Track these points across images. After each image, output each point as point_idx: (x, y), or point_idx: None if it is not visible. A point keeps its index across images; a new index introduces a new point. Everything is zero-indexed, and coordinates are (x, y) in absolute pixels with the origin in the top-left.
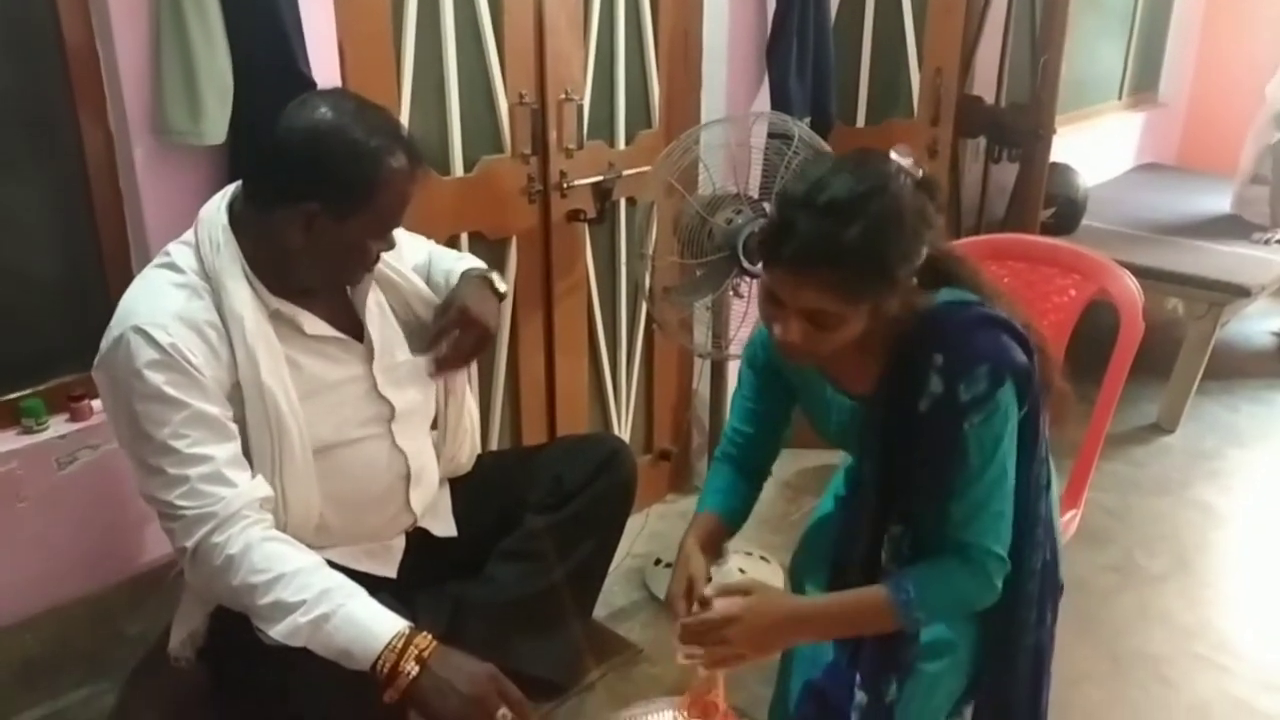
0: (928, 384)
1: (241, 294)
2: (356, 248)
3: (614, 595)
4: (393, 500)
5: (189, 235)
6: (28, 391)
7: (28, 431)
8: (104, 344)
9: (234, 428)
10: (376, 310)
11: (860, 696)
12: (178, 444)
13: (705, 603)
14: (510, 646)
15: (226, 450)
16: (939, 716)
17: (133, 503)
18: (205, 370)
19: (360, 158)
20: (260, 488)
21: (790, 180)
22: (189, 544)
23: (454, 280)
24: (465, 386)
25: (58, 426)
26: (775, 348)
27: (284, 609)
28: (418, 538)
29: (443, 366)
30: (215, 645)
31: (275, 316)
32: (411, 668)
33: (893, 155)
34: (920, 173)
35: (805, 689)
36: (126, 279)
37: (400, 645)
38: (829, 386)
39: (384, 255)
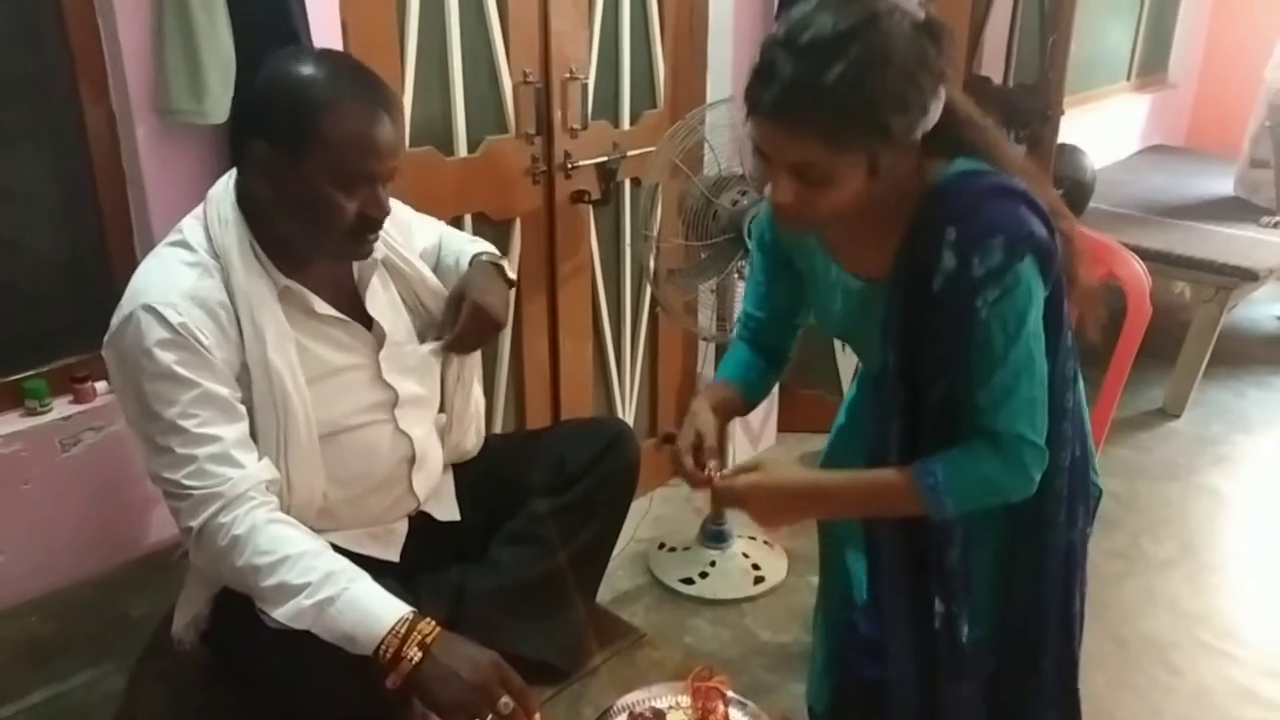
0: (941, 260)
1: (250, 272)
2: (323, 199)
3: (618, 579)
4: (396, 484)
5: (199, 211)
6: (31, 373)
7: (31, 413)
8: (114, 322)
9: (242, 409)
10: (383, 296)
11: (939, 606)
12: (186, 423)
13: (712, 454)
14: (513, 630)
15: (235, 431)
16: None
17: (136, 485)
18: (215, 351)
19: (304, 88)
20: (267, 470)
21: (778, 24)
22: (195, 524)
23: (464, 264)
24: (473, 373)
25: (61, 408)
26: (773, 217)
27: (288, 591)
28: (421, 521)
29: (452, 348)
30: (218, 629)
31: (284, 296)
32: (414, 653)
33: None
34: (923, 14)
35: (844, 627)
36: (130, 259)
37: (404, 630)
38: (835, 267)
39: (390, 241)
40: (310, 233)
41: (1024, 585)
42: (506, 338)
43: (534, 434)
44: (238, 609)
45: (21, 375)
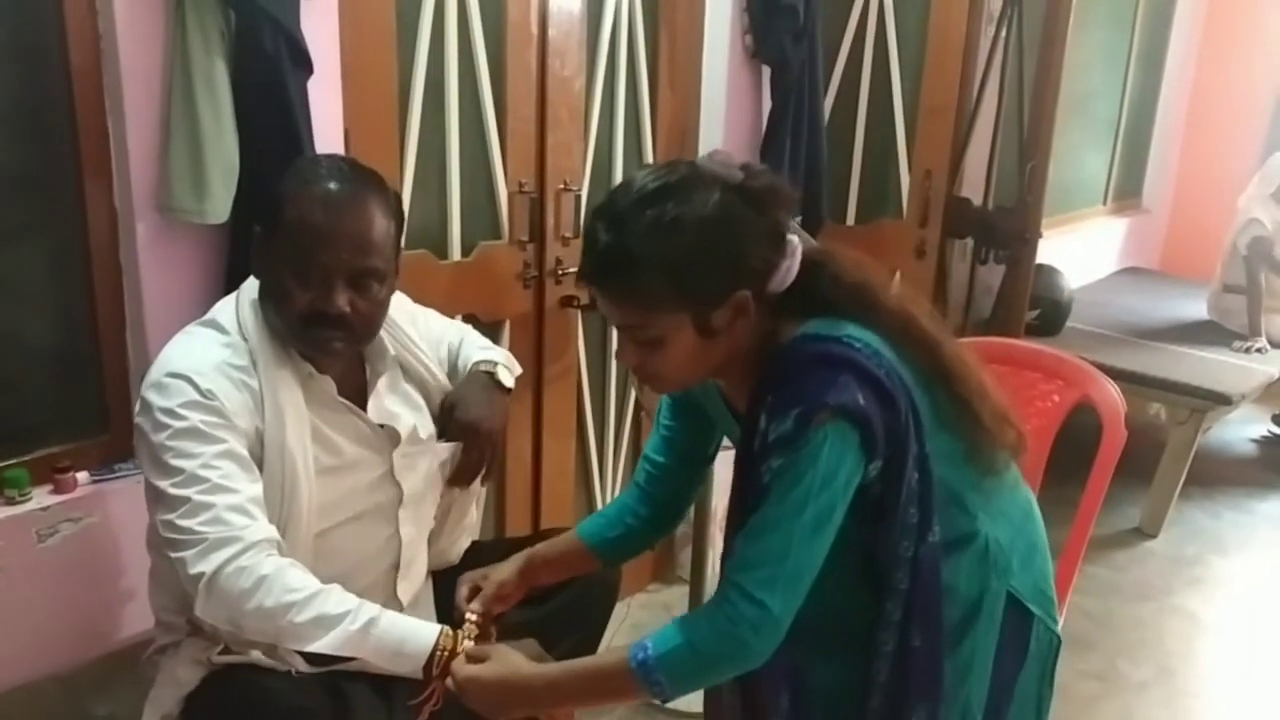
0: (759, 423)
1: (275, 356)
2: (280, 283)
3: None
4: (380, 590)
5: (232, 296)
6: (12, 462)
7: (10, 502)
8: (142, 390)
9: (258, 473)
10: (394, 395)
11: None
12: (208, 474)
13: (484, 601)
14: None
15: (253, 488)
16: None
17: (112, 579)
18: (238, 419)
19: (290, 174)
20: (276, 533)
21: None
22: (209, 568)
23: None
24: (476, 484)
25: (40, 498)
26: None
27: (328, 622)
28: None
29: (456, 483)
30: None
31: (307, 382)
32: (470, 646)
33: (698, 162)
34: (739, 177)
35: None
36: (121, 354)
37: (451, 631)
38: (721, 402)
39: (403, 340)
40: (276, 320)
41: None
42: None
43: (515, 543)
44: (208, 711)
45: (2, 464)
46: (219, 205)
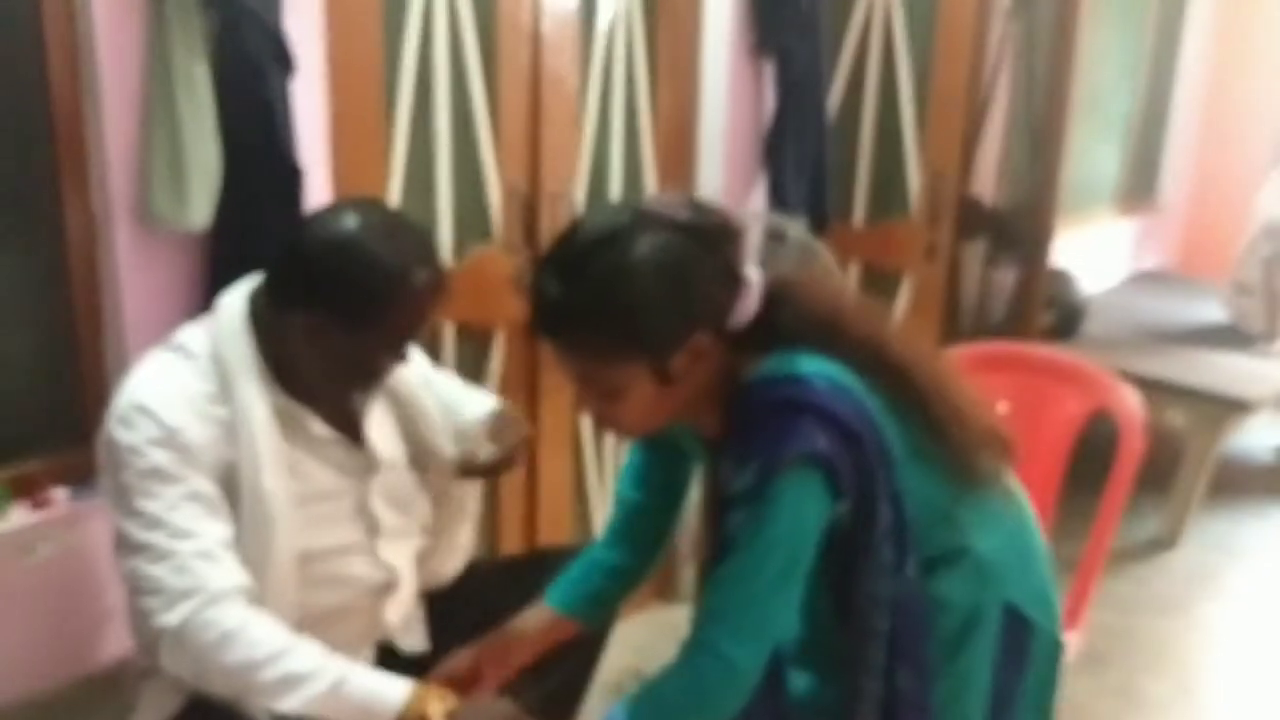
0: (721, 469)
1: (251, 388)
2: (365, 361)
3: (591, 712)
4: (367, 613)
5: (205, 321)
6: None
7: None
8: (107, 420)
9: (228, 511)
10: (384, 423)
11: None
12: (172, 516)
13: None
14: None
15: (220, 530)
16: None
17: (92, 599)
18: (205, 454)
19: (376, 275)
20: (247, 577)
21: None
22: (173, 620)
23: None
24: (476, 505)
25: (19, 516)
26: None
27: (295, 680)
28: (388, 650)
29: (480, 473)
30: None
31: (283, 412)
32: (440, 708)
33: (643, 205)
34: (685, 216)
35: None
36: (99, 365)
37: (421, 692)
38: (690, 431)
39: (401, 375)
40: (334, 383)
41: None
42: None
43: (511, 562)
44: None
45: None
46: (199, 212)
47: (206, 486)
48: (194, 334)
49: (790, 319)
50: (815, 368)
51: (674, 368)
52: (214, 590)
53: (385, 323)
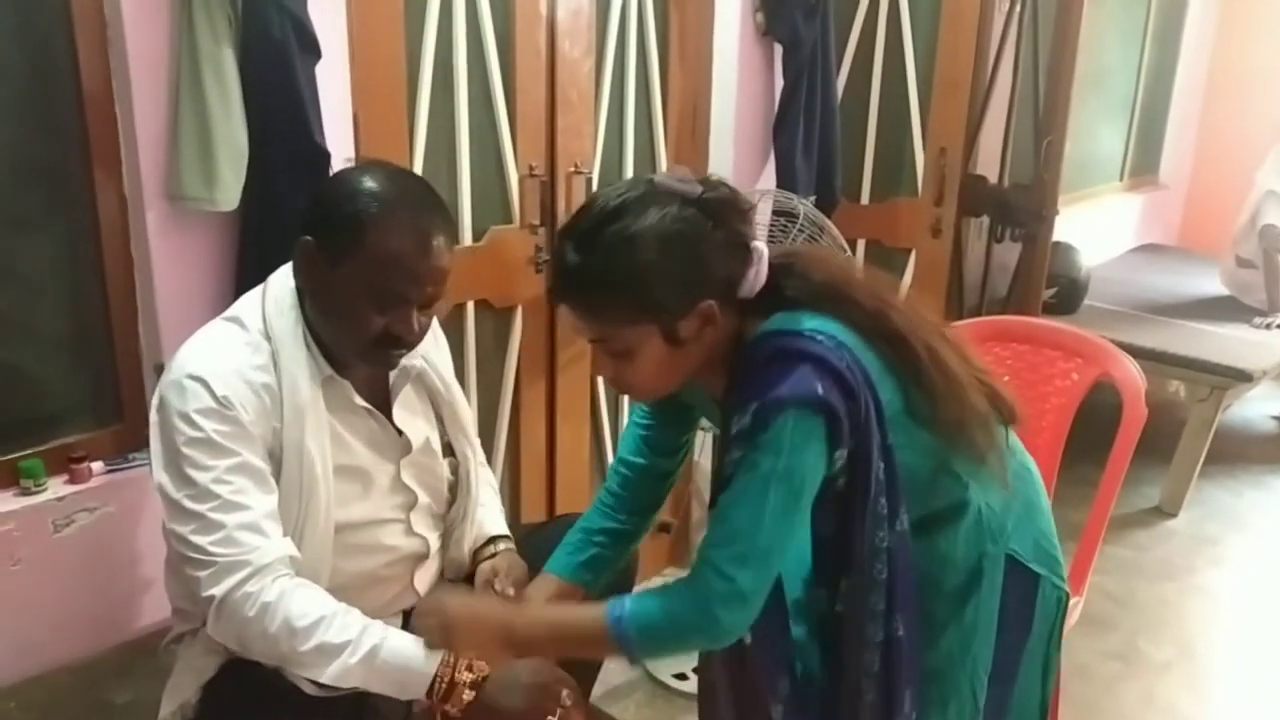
0: (729, 418)
1: (298, 357)
2: (353, 308)
3: (610, 674)
4: (399, 580)
5: (257, 292)
6: (28, 452)
7: (25, 493)
8: (160, 387)
9: (274, 484)
10: (414, 407)
11: None
12: (220, 489)
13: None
14: None
15: (267, 502)
16: None
17: (127, 568)
18: (255, 427)
19: (362, 197)
20: (291, 546)
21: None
22: (218, 592)
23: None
24: (488, 494)
25: (56, 488)
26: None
27: (330, 652)
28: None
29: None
30: (206, 717)
31: (327, 384)
32: (468, 677)
33: (655, 179)
34: (696, 191)
35: None
36: (133, 342)
37: (451, 659)
38: (702, 390)
39: (430, 359)
40: (336, 335)
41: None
42: (504, 422)
43: (532, 529)
44: (227, 698)
45: (18, 454)
46: (229, 192)
47: (254, 458)
48: (248, 304)
49: (797, 286)
50: (816, 324)
51: (683, 331)
52: (257, 563)
53: (360, 250)
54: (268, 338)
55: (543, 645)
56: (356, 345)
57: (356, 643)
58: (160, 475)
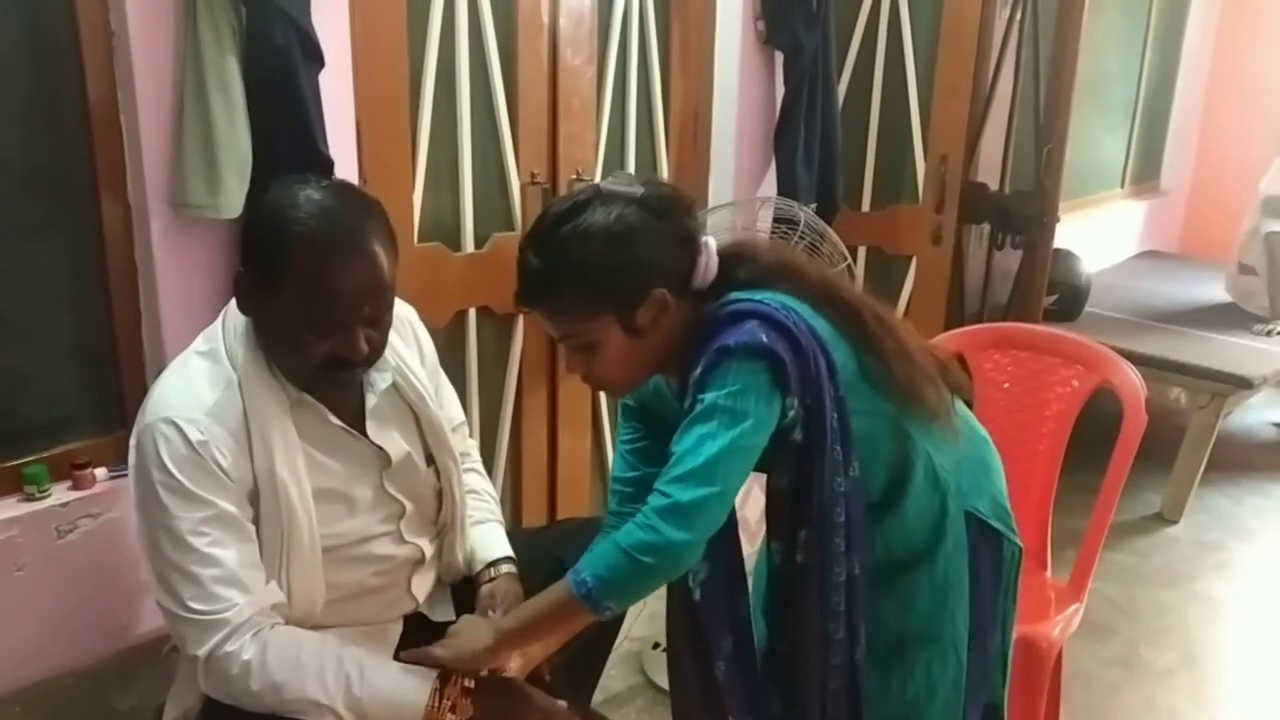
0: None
1: (262, 383)
2: (293, 335)
3: (611, 680)
4: (395, 587)
5: (219, 321)
6: (32, 458)
7: (29, 499)
8: (135, 429)
9: (252, 530)
10: (390, 419)
11: None
12: (196, 540)
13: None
14: None
15: (244, 552)
16: None
17: (130, 574)
18: (233, 471)
19: (282, 225)
20: (272, 594)
21: None
22: (201, 653)
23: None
24: (478, 508)
25: (59, 494)
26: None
27: (315, 708)
28: (416, 621)
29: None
30: None
31: (297, 406)
32: (450, 719)
33: (600, 185)
34: (640, 191)
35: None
36: (137, 349)
37: (436, 703)
38: (675, 401)
39: (403, 369)
40: (285, 362)
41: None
42: (506, 428)
43: (533, 533)
44: (229, 706)
45: (22, 460)
46: (232, 200)
47: (230, 506)
48: (214, 334)
49: (748, 269)
50: (767, 296)
51: (640, 319)
52: (235, 621)
53: (287, 287)
54: (235, 368)
55: (526, 632)
56: (306, 371)
57: (336, 695)
58: (139, 523)
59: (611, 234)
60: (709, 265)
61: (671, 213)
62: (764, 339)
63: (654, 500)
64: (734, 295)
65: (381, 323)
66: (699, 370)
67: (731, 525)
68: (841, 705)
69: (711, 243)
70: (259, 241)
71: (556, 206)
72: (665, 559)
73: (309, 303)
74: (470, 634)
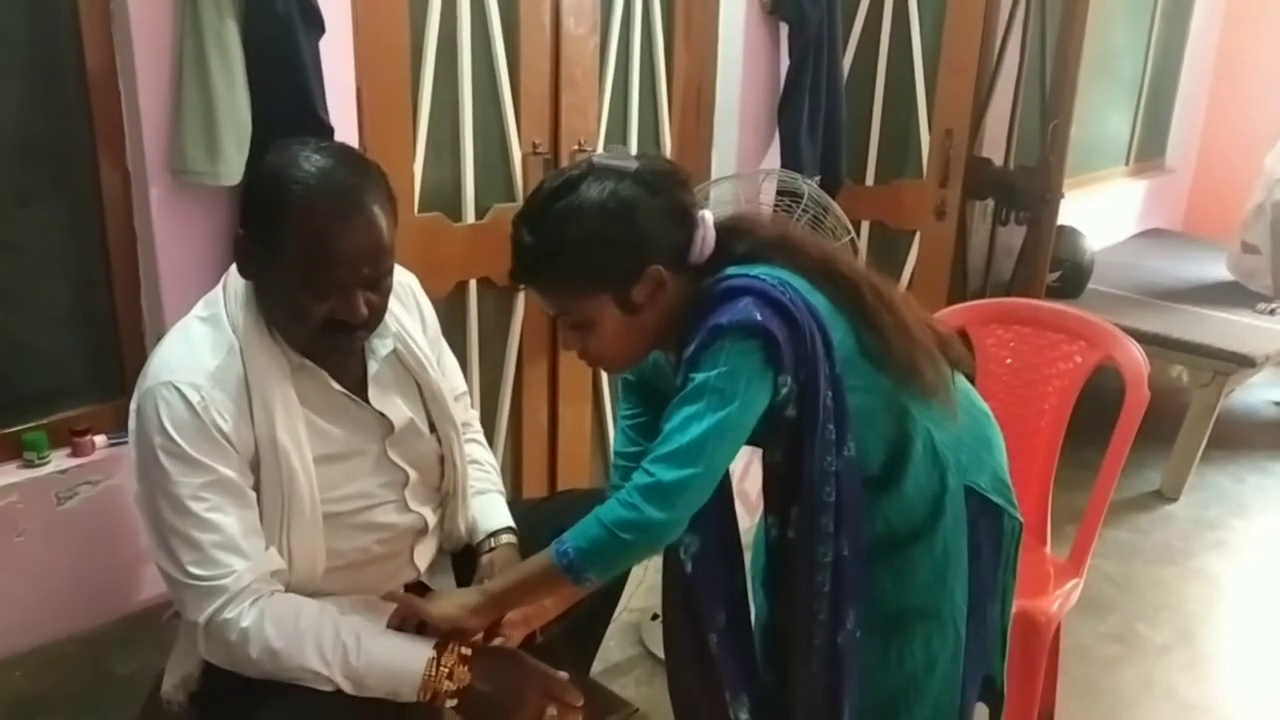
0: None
1: (263, 348)
2: (292, 298)
3: (610, 650)
4: (397, 556)
5: (219, 286)
6: (31, 425)
7: (29, 465)
8: (136, 394)
9: (252, 496)
10: (392, 386)
11: None
12: (196, 506)
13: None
14: None
15: (244, 518)
16: None
17: (130, 540)
18: (234, 436)
19: (282, 187)
20: (272, 560)
21: None
22: (200, 619)
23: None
24: (478, 478)
25: (59, 461)
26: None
27: (313, 675)
28: (417, 590)
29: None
30: (209, 689)
31: (298, 372)
32: (449, 686)
33: (594, 159)
34: (634, 166)
35: None
36: (136, 316)
37: (433, 672)
38: (667, 368)
39: (405, 338)
40: (285, 325)
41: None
42: (506, 401)
43: (533, 504)
44: (229, 672)
45: (22, 427)
46: (231, 167)
47: (230, 471)
48: (213, 299)
49: (746, 243)
50: (764, 270)
51: (636, 297)
52: (233, 588)
53: (287, 249)
54: (236, 333)
55: (510, 594)
56: (306, 334)
57: (335, 665)
58: (139, 487)
59: (606, 210)
60: (705, 240)
61: (667, 187)
62: (758, 317)
63: (638, 478)
64: (731, 270)
65: (381, 286)
66: (692, 348)
67: (725, 498)
68: (818, 689)
69: (708, 217)
70: (258, 202)
71: (550, 182)
72: (644, 536)
73: (308, 263)
74: (456, 593)
